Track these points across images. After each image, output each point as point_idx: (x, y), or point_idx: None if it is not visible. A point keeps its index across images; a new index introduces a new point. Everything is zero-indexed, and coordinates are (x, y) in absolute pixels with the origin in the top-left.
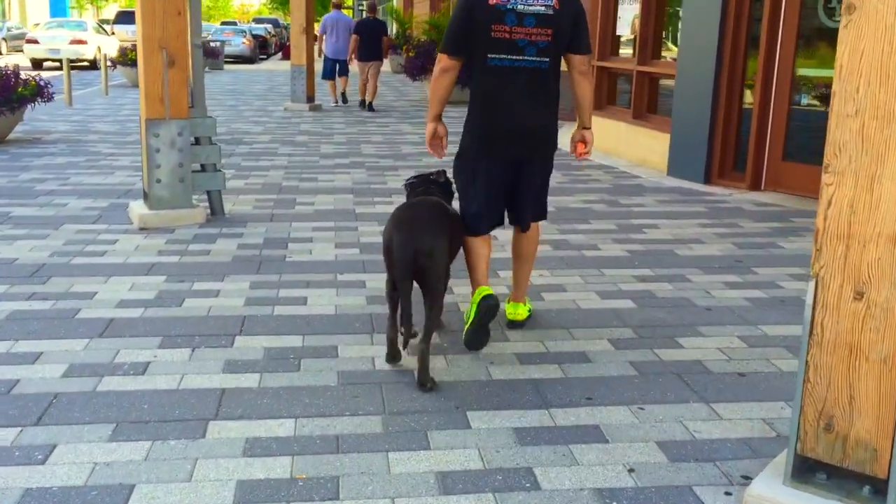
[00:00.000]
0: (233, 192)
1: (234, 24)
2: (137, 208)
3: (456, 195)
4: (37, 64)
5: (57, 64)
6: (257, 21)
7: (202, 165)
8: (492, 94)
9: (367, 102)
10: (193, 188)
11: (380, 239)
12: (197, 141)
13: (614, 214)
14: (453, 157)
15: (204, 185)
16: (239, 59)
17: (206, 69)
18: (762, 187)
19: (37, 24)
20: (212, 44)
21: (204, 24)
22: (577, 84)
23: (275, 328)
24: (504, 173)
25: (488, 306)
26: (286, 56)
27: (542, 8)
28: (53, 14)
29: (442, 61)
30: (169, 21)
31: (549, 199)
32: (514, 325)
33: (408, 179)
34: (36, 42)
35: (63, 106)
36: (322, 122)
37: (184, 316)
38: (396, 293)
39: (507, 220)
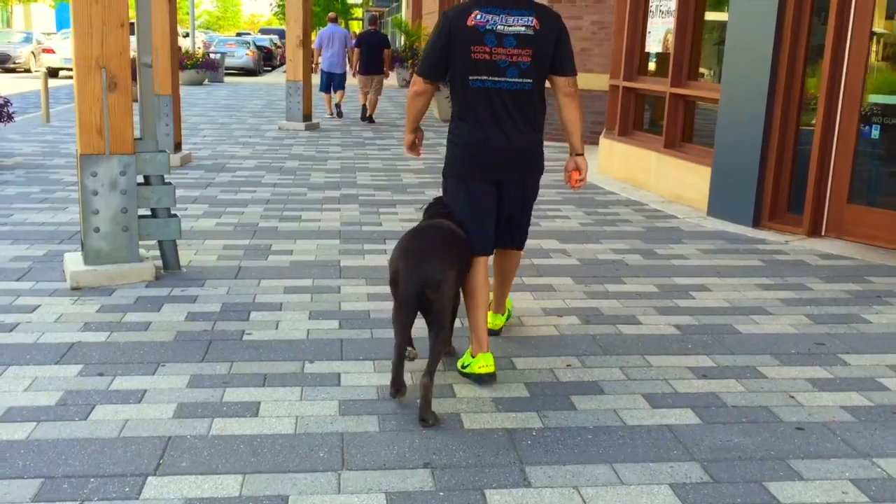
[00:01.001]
0: (198, 235)
1: (248, 34)
2: (72, 262)
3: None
4: (53, 73)
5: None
6: (263, 32)
7: (153, 210)
8: (475, 117)
9: (367, 115)
10: (141, 238)
11: (366, 307)
12: (146, 181)
13: (652, 270)
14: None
15: (154, 234)
16: (242, 71)
17: (206, 82)
18: (823, 233)
19: (51, 34)
20: (211, 55)
21: (211, 34)
22: (564, 107)
23: (206, 461)
24: (492, 195)
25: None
26: None
27: (523, 28)
28: (59, 23)
29: (416, 84)
30: (109, 34)
31: (572, 247)
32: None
33: (426, 204)
34: (52, 52)
35: (39, 123)
36: (317, 145)
37: (85, 438)
38: (405, 315)
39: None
